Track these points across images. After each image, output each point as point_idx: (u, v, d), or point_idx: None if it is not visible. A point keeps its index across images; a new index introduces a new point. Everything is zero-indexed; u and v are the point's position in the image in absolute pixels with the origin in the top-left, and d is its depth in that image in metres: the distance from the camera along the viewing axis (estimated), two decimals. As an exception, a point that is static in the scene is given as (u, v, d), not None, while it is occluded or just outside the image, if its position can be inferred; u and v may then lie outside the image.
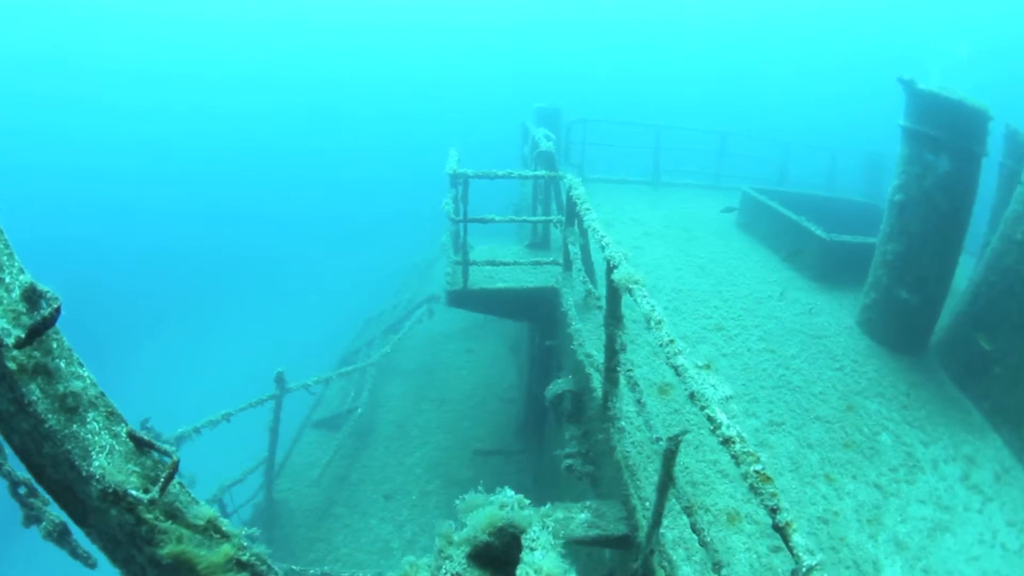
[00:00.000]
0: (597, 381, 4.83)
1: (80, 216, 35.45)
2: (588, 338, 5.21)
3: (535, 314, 6.81)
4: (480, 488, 2.51)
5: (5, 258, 1.83)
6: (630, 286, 3.27)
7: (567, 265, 6.16)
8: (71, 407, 1.87)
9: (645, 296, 3.16)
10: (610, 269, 3.58)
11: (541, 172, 6.20)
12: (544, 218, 6.46)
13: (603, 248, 3.88)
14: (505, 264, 6.33)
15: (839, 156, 16.20)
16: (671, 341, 2.81)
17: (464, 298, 6.51)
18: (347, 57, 53.28)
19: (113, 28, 47.55)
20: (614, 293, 3.67)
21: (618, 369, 4.02)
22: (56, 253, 31.83)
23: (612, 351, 3.95)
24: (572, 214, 5.72)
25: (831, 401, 5.67)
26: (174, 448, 2.01)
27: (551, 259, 6.46)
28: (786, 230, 9.22)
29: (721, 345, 6.28)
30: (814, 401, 5.65)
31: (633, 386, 3.76)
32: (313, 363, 15.17)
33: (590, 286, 5.39)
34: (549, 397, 5.33)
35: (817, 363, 6.22)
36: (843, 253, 8.23)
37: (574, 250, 5.53)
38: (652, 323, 2.96)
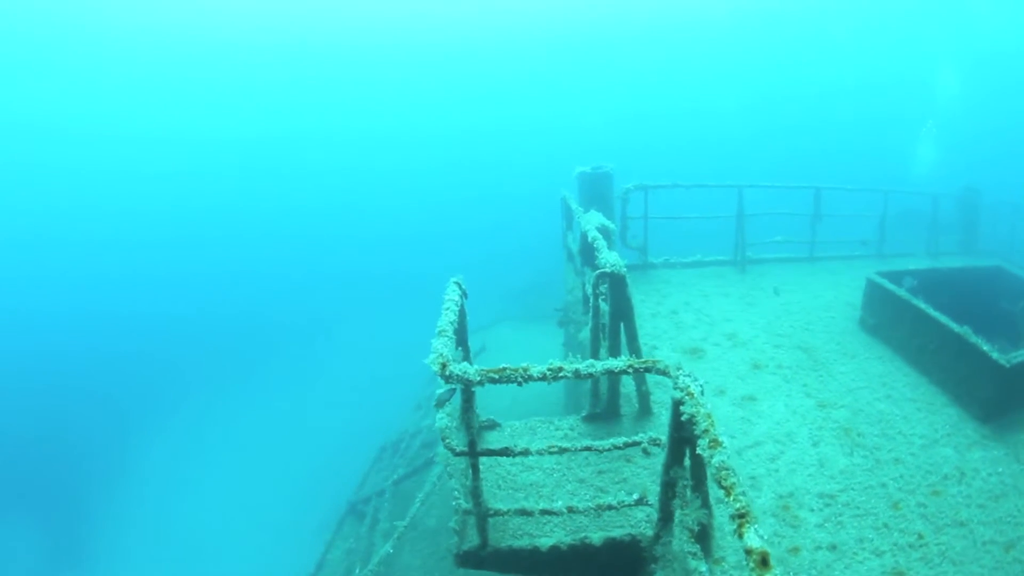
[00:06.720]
0: None
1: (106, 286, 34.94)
2: None
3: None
4: None
5: None
6: None
7: (666, 517, 3.40)
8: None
9: None
10: None
11: (616, 363, 3.44)
12: (619, 445, 3.57)
13: None
14: (553, 514, 3.61)
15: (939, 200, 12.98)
16: None
17: (484, 563, 3.81)
18: (378, 114, 52.70)
19: (139, 93, 48.24)
20: None
21: None
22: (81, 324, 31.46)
23: None
24: (682, 444, 3.02)
25: None
26: None
27: (634, 497, 3.68)
28: (941, 345, 6.38)
29: None
30: None
31: None
32: (321, 500, 12.84)
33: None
34: None
35: None
36: (1021, 377, 5.66)
37: (685, 525, 2.79)
38: None
